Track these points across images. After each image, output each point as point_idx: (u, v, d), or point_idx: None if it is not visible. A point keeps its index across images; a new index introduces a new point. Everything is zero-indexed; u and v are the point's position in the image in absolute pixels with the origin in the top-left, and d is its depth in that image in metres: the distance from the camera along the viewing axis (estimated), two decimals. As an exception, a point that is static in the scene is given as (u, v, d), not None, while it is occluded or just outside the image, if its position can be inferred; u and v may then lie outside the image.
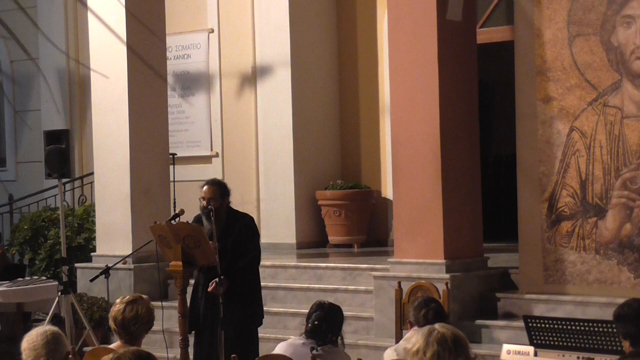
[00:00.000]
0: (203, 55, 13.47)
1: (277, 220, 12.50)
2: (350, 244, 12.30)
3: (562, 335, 6.82)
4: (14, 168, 15.35)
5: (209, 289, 7.47)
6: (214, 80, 13.37)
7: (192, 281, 7.78)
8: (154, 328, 5.93)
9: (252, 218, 7.92)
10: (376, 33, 12.57)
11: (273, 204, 12.62)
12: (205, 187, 7.65)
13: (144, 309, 5.73)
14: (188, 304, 7.49)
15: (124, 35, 10.84)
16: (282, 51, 12.51)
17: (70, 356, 4.58)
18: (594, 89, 8.55)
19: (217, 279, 7.33)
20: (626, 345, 5.57)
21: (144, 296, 5.89)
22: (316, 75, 12.74)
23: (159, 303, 7.80)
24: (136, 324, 5.69)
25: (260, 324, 7.84)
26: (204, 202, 7.56)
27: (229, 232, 7.60)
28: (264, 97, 12.83)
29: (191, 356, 7.71)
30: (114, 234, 11.01)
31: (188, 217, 7.73)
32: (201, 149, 13.49)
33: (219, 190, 7.65)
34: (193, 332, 7.66)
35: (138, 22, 10.72)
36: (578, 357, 6.59)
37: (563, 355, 6.76)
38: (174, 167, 11.92)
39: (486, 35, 11.24)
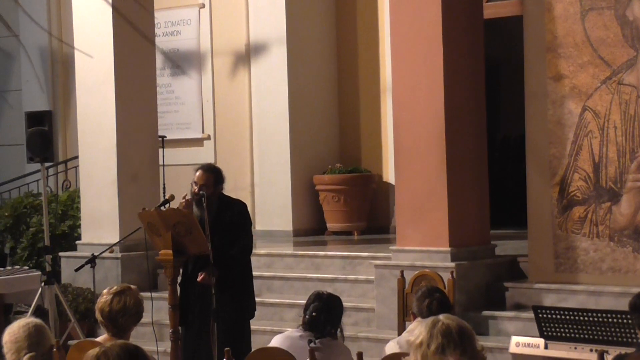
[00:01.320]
0: (194, 31, 13.45)
1: (272, 206, 12.51)
2: (350, 231, 12.31)
3: (574, 326, 6.82)
4: (-7, 152, 15.33)
5: (199, 279, 7.47)
6: (206, 58, 13.35)
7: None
8: (142, 320, 5.92)
9: (244, 205, 7.92)
10: (377, 8, 12.54)
11: (268, 190, 12.62)
12: (198, 172, 7.65)
13: (132, 300, 5.73)
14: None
15: (109, 10, 10.80)
16: (277, 28, 12.48)
17: (54, 350, 4.58)
18: (607, 66, 8.53)
19: (206, 269, 7.33)
20: (642, 336, 5.57)
21: (132, 287, 5.88)
22: (313, 53, 12.71)
23: (148, 294, 7.80)
24: (124, 316, 5.69)
25: (252, 316, 7.85)
26: (196, 188, 7.56)
27: (220, 219, 7.59)
28: (258, 76, 12.82)
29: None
30: (100, 221, 11.01)
31: (178, 203, 7.72)
32: (192, 131, 13.48)
33: (212, 177, 7.64)
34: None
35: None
36: (591, 350, 6.60)
37: (575, 348, 6.78)
38: (163, 151, 11.91)
39: (493, 9, 11.22)
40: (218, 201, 7.67)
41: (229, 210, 7.69)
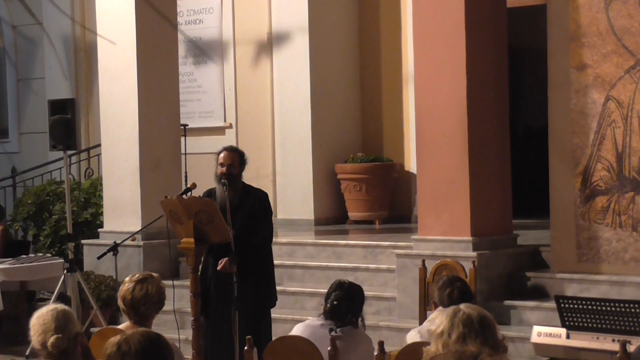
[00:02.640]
0: (216, 20, 13.45)
1: (294, 195, 12.51)
2: (372, 220, 12.31)
3: (596, 316, 6.81)
4: (16, 139, 15.40)
5: (219, 267, 7.49)
6: (228, 47, 13.35)
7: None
8: (164, 308, 5.94)
9: (266, 194, 7.93)
10: (399, -4, 12.51)
11: (290, 178, 12.63)
12: (223, 153, 7.67)
13: (154, 288, 5.74)
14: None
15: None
16: (299, 16, 12.47)
17: (79, 337, 4.60)
18: (632, 55, 8.48)
19: (226, 258, 7.35)
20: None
21: (154, 274, 5.90)
22: (336, 41, 12.70)
23: (170, 282, 7.83)
24: (146, 304, 5.71)
25: (273, 305, 7.86)
26: (223, 169, 7.57)
27: (241, 207, 7.61)
28: (280, 64, 12.81)
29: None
30: (123, 209, 11.04)
31: (200, 191, 7.74)
32: (214, 120, 13.50)
33: (238, 157, 7.68)
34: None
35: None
36: (613, 340, 6.58)
37: (597, 338, 6.76)
38: (185, 139, 11.92)
39: (517, -2, 11.17)
40: (242, 188, 7.68)
41: (251, 199, 7.71)
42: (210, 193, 7.71)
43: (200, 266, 7.59)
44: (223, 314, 7.47)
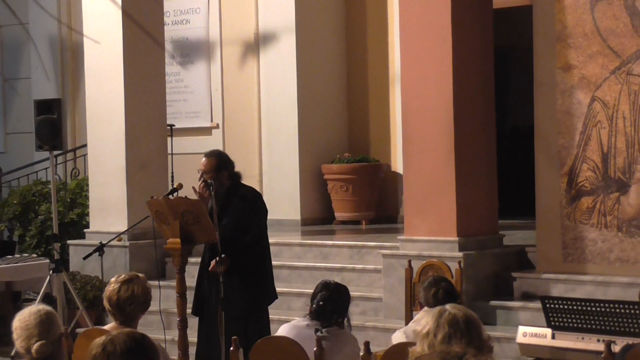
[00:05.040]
0: (203, 20, 13.44)
1: (280, 195, 12.51)
2: (358, 221, 12.31)
3: (582, 317, 6.83)
4: (2, 139, 15.36)
5: (210, 268, 7.49)
6: (215, 47, 13.34)
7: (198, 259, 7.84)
8: (150, 309, 5.94)
9: (256, 194, 7.91)
10: (386, -3, 12.53)
11: (276, 178, 12.63)
12: (202, 159, 7.68)
13: (140, 289, 5.74)
14: (187, 284, 7.50)
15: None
16: (286, 16, 12.47)
17: (63, 338, 4.59)
18: (617, 56, 8.51)
19: (217, 258, 7.35)
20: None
21: (140, 275, 5.89)
22: (322, 42, 12.70)
23: (156, 282, 7.82)
24: (132, 305, 5.71)
25: (268, 303, 7.84)
26: (199, 175, 7.59)
27: (229, 207, 7.60)
28: (267, 65, 12.81)
29: (194, 339, 7.75)
30: (109, 210, 11.03)
31: (186, 191, 7.73)
32: (201, 120, 13.49)
33: (214, 161, 7.65)
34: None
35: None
36: (598, 340, 6.61)
37: (582, 338, 6.79)
38: (171, 139, 11.91)
39: (503, -1, 11.19)
40: (227, 189, 7.66)
41: (239, 198, 7.68)
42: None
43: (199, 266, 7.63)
44: (216, 314, 7.45)
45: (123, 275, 5.84)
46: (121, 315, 5.71)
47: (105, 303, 5.77)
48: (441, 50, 8.86)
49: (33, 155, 13.53)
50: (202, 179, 7.58)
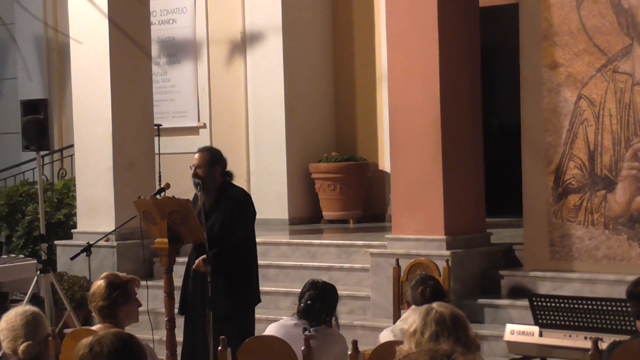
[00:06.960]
0: (189, 20, 13.43)
1: (268, 194, 12.51)
2: (346, 220, 12.32)
3: (569, 314, 6.85)
4: (-11, 140, 15.32)
5: (194, 267, 7.47)
6: (201, 46, 13.33)
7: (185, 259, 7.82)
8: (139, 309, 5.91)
9: (245, 195, 7.83)
10: (373, -4, 12.53)
11: (264, 178, 12.62)
12: (196, 154, 7.65)
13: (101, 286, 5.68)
14: (174, 283, 7.50)
15: (104, 1, 10.79)
16: (273, 16, 12.47)
17: (50, 338, 4.58)
18: (603, 54, 8.53)
19: (202, 257, 7.33)
20: None
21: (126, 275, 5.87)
22: (309, 41, 12.70)
23: (143, 282, 7.79)
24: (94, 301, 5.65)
25: (254, 304, 7.80)
26: (192, 171, 7.55)
27: (217, 208, 7.58)
28: (254, 64, 12.80)
29: (180, 339, 7.74)
30: (96, 210, 11.00)
31: (174, 191, 7.72)
32: (188, 120, 13.48)
33: (207, 156, 7.61)
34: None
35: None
36: (585, 337, 6.63)
37: (569, 336, 6.80)
38: (159, 139, 11.89)
39: (489, -3, 11.21)
40: (218, 188, 7.62)
41: (228, 198, 7.65)
42: (196, 196, 7.65)
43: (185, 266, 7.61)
44: (201, 314, 7.43)
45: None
46: (101, 315, 5.54)
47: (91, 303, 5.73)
48: (428, 49, 8.87)
49: (20, 156, 13.50)
50: (194, 173, 7.54)
